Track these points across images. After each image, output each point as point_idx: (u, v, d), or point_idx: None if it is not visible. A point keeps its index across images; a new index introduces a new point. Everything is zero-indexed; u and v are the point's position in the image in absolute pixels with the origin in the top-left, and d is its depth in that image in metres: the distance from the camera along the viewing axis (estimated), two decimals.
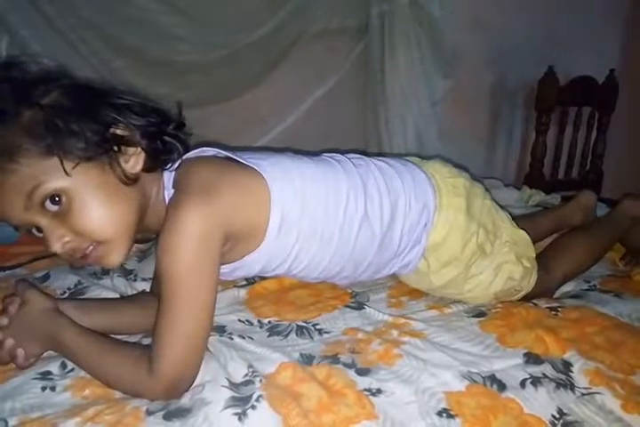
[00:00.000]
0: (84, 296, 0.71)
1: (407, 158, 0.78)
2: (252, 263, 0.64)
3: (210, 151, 0.63)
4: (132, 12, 1.14)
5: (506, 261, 0.71)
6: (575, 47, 1.59)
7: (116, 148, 0.54)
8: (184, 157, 0.61)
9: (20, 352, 0.56)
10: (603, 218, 0.91)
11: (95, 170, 0.53)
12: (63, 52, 1.12)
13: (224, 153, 0.63)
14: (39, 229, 0.54)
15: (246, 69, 1.27)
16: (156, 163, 0.58)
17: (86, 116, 0.53)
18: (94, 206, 0.53)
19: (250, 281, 0.76)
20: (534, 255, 0.75)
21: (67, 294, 0.72)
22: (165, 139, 0.58)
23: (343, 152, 0.74)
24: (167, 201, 0.59)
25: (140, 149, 0.56)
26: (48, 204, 0.52)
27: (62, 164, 0.51)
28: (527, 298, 0.72)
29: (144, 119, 0.57)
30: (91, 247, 0.54)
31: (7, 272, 0.80)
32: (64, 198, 0.52)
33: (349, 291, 0.73)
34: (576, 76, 1.52)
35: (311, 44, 1.32)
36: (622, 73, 1.58)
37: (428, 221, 0.69)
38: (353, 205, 0.65)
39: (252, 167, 0.61)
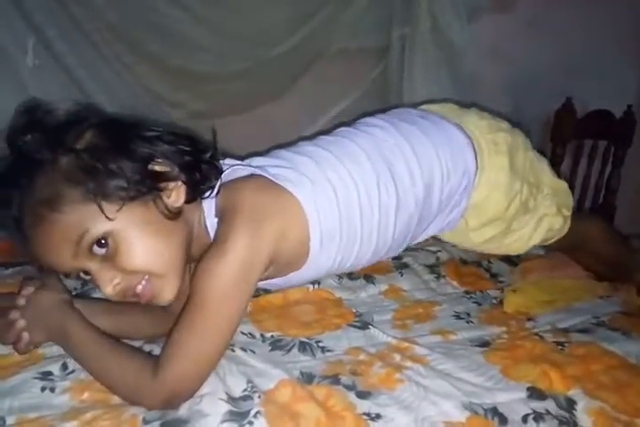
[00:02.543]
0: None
1: (440, 108, 0.73)
2: (297, 278, 0.65)
3: (245, 170, 0.62)
4: (157, 19, 1.17)
5: (546, 214, 0.70)
6: (593, 80, 1.60)
7: (156, 184, 0.54)
8: (222, 180, 0.60)
9: (26, 336, 0.56)
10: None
11: (139, 208, 0.53)
12: (87, 54, 1.15)
13: (258, 172, 0.61)
14: (87, 272, 0.54)
15: (265, 84, 1.29)
16: (195, 193, 0.58)
17: (123, 155, 0.52)
18: (141, 243, 0.53)
19: (254, 294, 0.76)
20: (572, 203, 0.74)
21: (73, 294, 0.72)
22: (203, 168, 0.58)
23: (357, 118, 0.70)
24: (210, 229, 0.59)
25: (180, 182, 0.56)
26: (95, 248, 0.52)
27: (102, 209, 0.50)
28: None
29: (179, 150, 0.56)
30: (141, 286, 0.54)
31: (16, 268, 0.80)
32: (110, 241, 0.52)
33: (354, 310, 0.72)
34: (593, 110, 1.52)
35: (331, 63, 1.34)
36: None
37: (468, 183, 0.67)
38: (385, 195, 0.64)
39: (283, 187, 0.60)
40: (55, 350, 0.60)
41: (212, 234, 0.59)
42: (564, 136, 1.49)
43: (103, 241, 0.52)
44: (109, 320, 0.62)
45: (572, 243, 0.81)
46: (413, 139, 0.67)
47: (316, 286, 0.76)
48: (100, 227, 0.51)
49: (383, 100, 1.43)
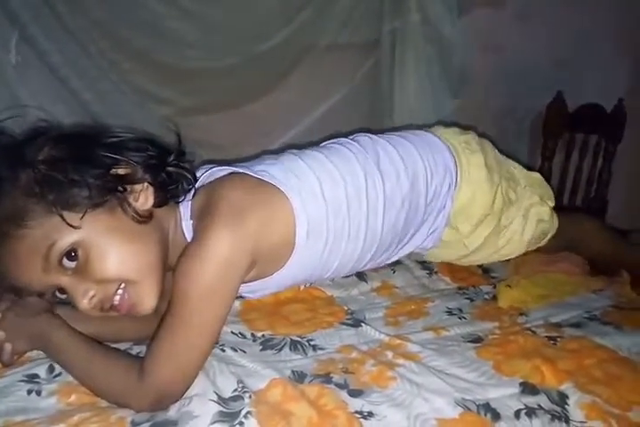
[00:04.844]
0: None
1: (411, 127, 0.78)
2: (280, 279, 0.63)
3: (223, 170, 0.61)
4: (143, 15, 1.15)
5: (531, 204, 0.71)
6: (585, 74, 1.60)
7: (121, 188, 0.53)
8: (198, 185, 0.60)
9: (8, 347, 0.55)
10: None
11: (106, 215, 0.52)
12: (72, 51, 1.13)
13: (239, 170, 0.60)
14: (62, 291, 0.53)
15: (254, 79, 1.28)
16: (165, 196, 0.57)
17: (83, 163, 0.52)
18: (111, 250, 0.52)
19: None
20: (552, 194, 0.76)
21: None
22: (169, 170, 0.57)
23: (347, 135, 0.73)
24: (187, 232, 0.58)
25: (146, 184, 0.55)
26: (65, 261, 0.51)
27: (64, 219, 0.49)
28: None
29: (142, 154, 0.55)
30: (118, 295, 0.53)
31: None
32: (80, 252, 0.51)
33: (345, 308, 0.72)
34: (584, 104, 1.52)
35: (321, 57, 1.33)
36: (631, 102, 1.59)
37: (452, 182, 0.69)
38: (373, 191, 0.64)
39: (266, 181, 0.60)
40: (41, 352, 0.58)
41: (189, 238, 0.57)
42: (556, 130, 1.50)
43: (73, 253, 0.51)
44: (94, 325, 0.61)
45: (567, 244, 0.82)
46: (396, 143, 0.70)
47: (308, 284, 0.76)
48: (67, 238, 0.50)
49: (374, 94, 1.42)
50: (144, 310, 0.55)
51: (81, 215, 0.50)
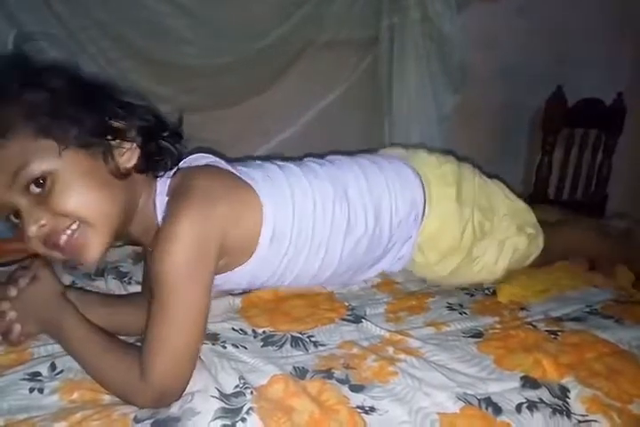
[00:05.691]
0: None
1: (391, 152, 0.79)
2: (239, 277, 0.64)
3: (206, 159, 0.63)
4: (141, 13, 1.15)
5: (507, 237, 0.71)
6: (584, 69, 1.60)
7: (111, 138, 0.55)
8: (181, 165, 0.61)
9: (17, 328, 0.56)
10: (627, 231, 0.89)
11: (87, 158, 0.53)
12: (71, 51, 1.13)
13: (222, 163, 0.62)
14: (17, 215, 0.53)
15: (252, 76, 1.28)
16: (149, 164, 0.58)
17: (87, 105, 0.54)
18: (78, 188, 0.52)
19: (245, 290, 0.75)
20: (535, 220, 0.75)
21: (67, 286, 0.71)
22: (160, 142, 0.59)
23: (325, 155, 0.76)
24: (158, 208, 0.59)
25: (135, 145, 0.57)
26: (32, 187, 0.51)
27: (49, 145, 0.51)
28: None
29: (142, 117, 0.57)
30: (66, 236, 0.52)
31: (1, 269, 0.79)
32: (48, 181, 0.51)
33: (346, 304, 0.72)
34: (584, 98, 1.52)
35: (319, 54, 1.32)
36: (631, 96, 1.58)
37: (417, 214, 0.70)
38: (339, 213, 0.67)
39: (244, 181, 0.62)
40: (43, 350, 0.59)
41: (159, 214, 0.58)
42: (555, 125, 1.49)
43: (42, 181, 0.51)
44: (103, 313, 0.62)
45: (560, 254, 0.82)
46: (368, 170, 0.72)
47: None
48: (43, 164, 0.51)
49: (373, 91, 1.42)
50: (88, 257, 0.54)
51: (63, 148, 0.51)
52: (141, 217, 0.59)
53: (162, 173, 0.60)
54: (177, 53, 1.19)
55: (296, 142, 1.36)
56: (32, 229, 0.52)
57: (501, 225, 0.72)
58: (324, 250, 0.66)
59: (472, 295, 0.77)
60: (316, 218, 0.65)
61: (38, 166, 0.51)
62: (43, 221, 0.52)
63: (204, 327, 0.55)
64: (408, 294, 0.77)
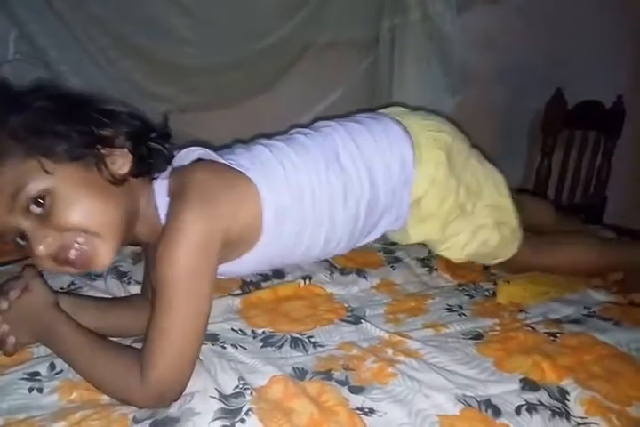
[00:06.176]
0: None
1: (384, 110, 0.78)
2: (248, 262, 0.64)
3: (196, 151, 0.63)
4: (142, 12, 1.14)
5: (483, 226, 0.71)
6: (584, 71, 1.60)
7: (100, 147, 0.55)
8: (174, 163, 0.61)
9: (11, 340, 0.56)
10: (626, 240, 0.89)
11: (81, 169, 0.54)
12: (70, 49, 1.12)
13: (211, 155, 0.62)
14: (22, 237, 0.53)
15: (252, 76, 1.27)
16: (142, 167, 0.58)
17: (71, 118, 0.54)
18: (79, 201, 0.53)
19: (245, 290, 0.75)
20: (516, 225, 0.75)
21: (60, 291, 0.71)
22: (150, 145, 0.59)
23: (310, 123, 0.75)
24: (160, 209, 0.59)
25: (126, 150, 0.57)
26: (32, 207, 0.52)
27: (41, 164, 0.51)
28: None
29: (128, 123, 0.58)
30: (74, 250, 0.53)
31: (1, 269, 0.79)
32: (48, 199, 0.52)
33: (346, 305, 0.72)
34: (583, 100, 1.52)
35: (320, 55, 1.32)
36: (630, 99, 1.59)
37: (407, 176, 0.70)
38: (335, 182, 0.66)
39: (237, 170, 0.62)
40: (43, 350, 0.59)
41: (162, 215, 0.59)
42: (555, 127, 1.49)
43: (41, 200, 0.52)
44: (97, 317, 0.62)
45: (553, 269, 0.81)
46: (354, 132, 0.71)
47: (307, 281, 0.76)
48: (39, 183, 0.51)
49: (373, 92, 1.42)
50: (98, 265, 0.55)
51: (57, 164, 0.52)
52: (145, 219, 0.59)
53: (157, 175, 0.60)
54: (178, 53, 1.19)
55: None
56: (41, 249, 0.52)
57: (482, 212, 0.71)
58: (327, 221, 0.66)
59: (472, 297, 0.77)
60: (314, 191, 0.65)
61: (35, 186, 0.51)
62: (49, 239, 0.52)
63: (205, 326, 0.55)
64: (407, 296, 0.77)
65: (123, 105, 0.61)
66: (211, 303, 0.56)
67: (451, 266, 0.86)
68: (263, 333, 0.64)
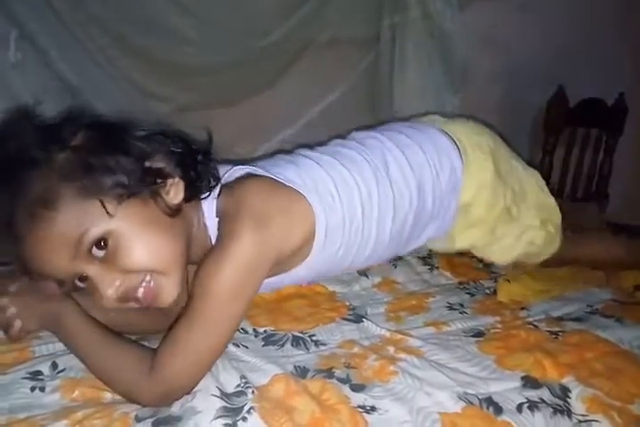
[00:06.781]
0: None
1: (427, 119, 0.77)
2: (290, 278, 0.65)
3: (244, 170, 0.61)
4: (141, 11, 1.14)
5: (530, 226, 0.71)
6: (586, 68, 1.59)
7: (152, 180, 0.53)
8: (221, 182, 0.60)
9: (18, 323, 0.55)
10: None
11: (138, 206, 0.52)
12: (71, 48, 1.13)
13: (259, 171, 0.61)
14: (82, 280, 0.52)
15: (253, 75, 1.27)
16: (193, 191, 0.57)
17: (118, 152, 0.51)
18: (142, 241, 0.51)
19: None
20: (560, 221, 0.74)
21: None
22: (198, 167, 0.57)
23: (355, 131, 0.74)
24: (210, 230, 0.58)
25: (177, 178, 0.55)
26: (95, 250, 0.50)
27: (104, 205, 0.49)
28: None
29: (173, 148, 0.55)
30: (142, 288, 0.52)
31: (2, 268, 0.79)
32: (110, 242, 0.50)
33: (347, 303, 0.72)
34: (585, 98, 1.52)
35: (320, 53, 1.32)
36: (632, 96, 1.58)
37: (456, 182, 0.69)
38: (383, 197, 0.66)
39: (288, 186, 0.60)
40: (45, 349, 0.59)
41: (212, 235, 0.58)
42: (557, 124, 1.49)
43: (103, 243, 0.50)
44: (104, 314, 0.61)
45: (571, 260, 0.81)
46: (402, 144, 0.70)
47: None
48: (100, 226, 0.49)
49: (374, 90, 1.42)
50: (165, 302, 0.54)
51: (116, 205, 0.49)
52: (197, 240, 0.58)
53: (206, 195, 0.58)
54: (177, 52, 1.19)
55: (297, 141, 1.35)
56: (110, 293, 0.51)
57: (528, 213, 0.71)
58: (375, 233, 0.66)
59: (472, 295, 0.77)
60: (364, 204, 0.64)
61: (96, 231, 0.49)
62: (117, 282, 0.51)
63: (228, 341, 0.55)
64: (408, 294, 0.77)
65: (160, 124, 0.57)
66: (239, 323, 0.56)
67: (452, 264, 0.86)
68: (265, 331, 0.64)
